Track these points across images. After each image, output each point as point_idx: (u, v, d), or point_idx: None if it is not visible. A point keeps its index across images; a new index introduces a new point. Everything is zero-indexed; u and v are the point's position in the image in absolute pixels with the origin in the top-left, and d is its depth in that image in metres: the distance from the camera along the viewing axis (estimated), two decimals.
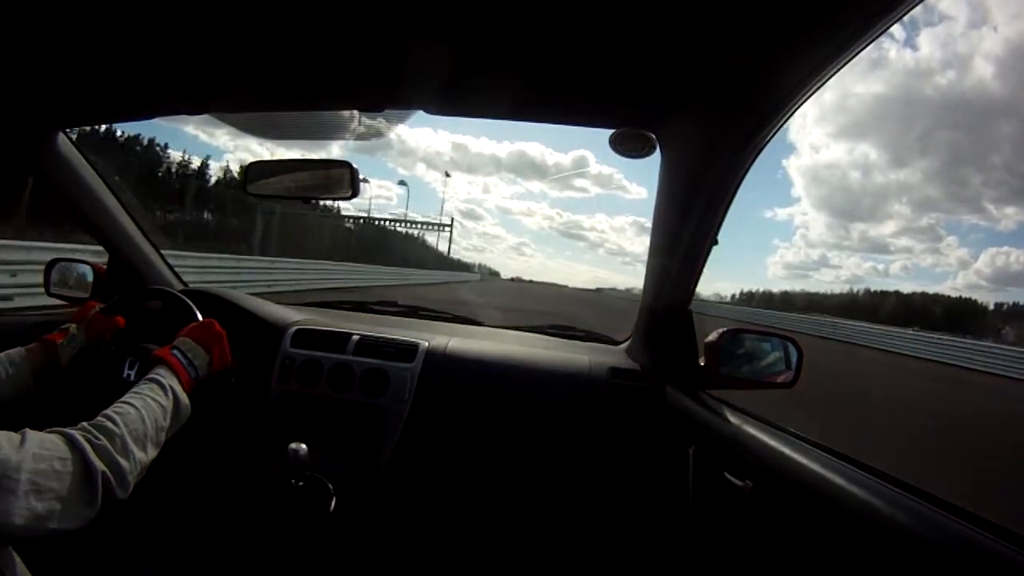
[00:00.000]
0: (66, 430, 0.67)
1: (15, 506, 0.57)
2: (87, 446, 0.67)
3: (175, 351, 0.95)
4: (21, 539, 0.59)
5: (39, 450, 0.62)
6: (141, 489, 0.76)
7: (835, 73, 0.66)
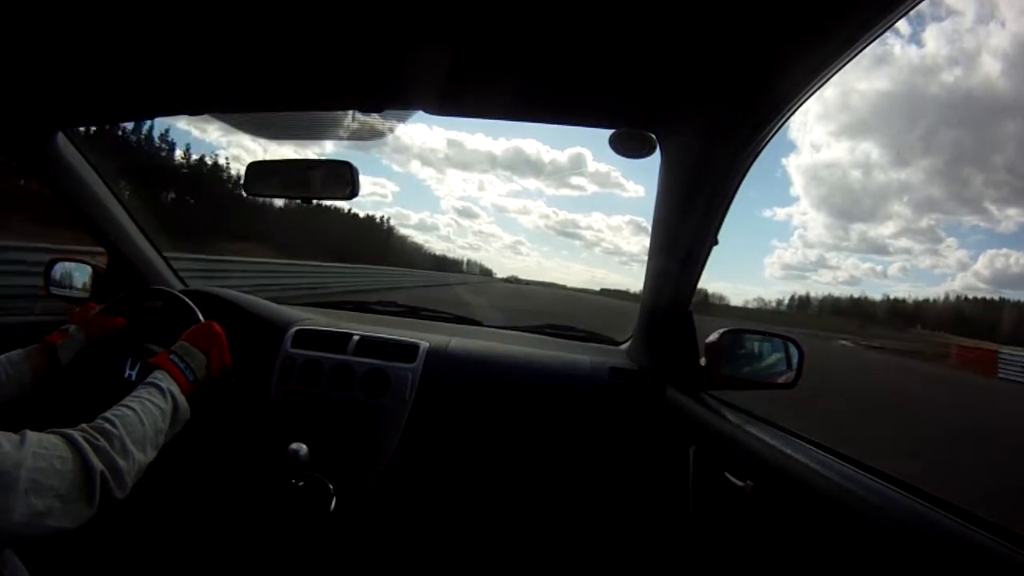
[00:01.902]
0: (65, 430, 0.68)
1: (15, 503, 0.57)
2: (86, 446, 0.67)
3: (172, 356, 0.95)
4: (20, 537, 0.59)
5: (39, 449, 0.62)
6: (144, 490, 0.76)
7: (835, 73, 0.66)
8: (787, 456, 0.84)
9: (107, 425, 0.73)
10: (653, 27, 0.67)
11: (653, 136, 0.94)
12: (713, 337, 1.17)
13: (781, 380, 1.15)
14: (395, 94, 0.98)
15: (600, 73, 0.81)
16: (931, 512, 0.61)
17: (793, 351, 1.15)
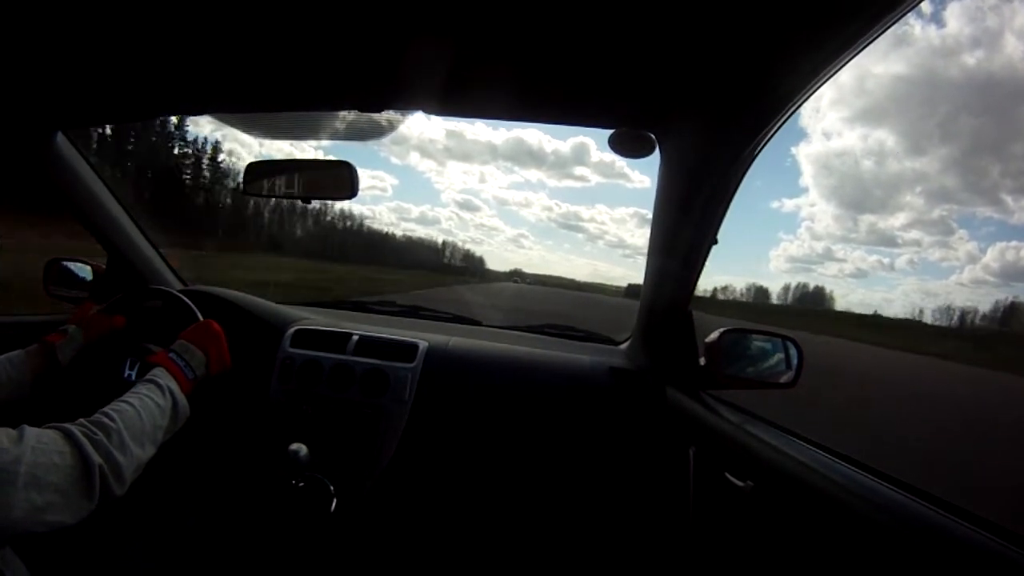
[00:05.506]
0: (63, 425, 0.68)
1: (14, 498, 0.57)
2: (84, 440, 0.67)
3: (171, 354, 0.95)
4: (19, 533, 0.59)
5: (37, 444, 0.62)
6: (145, 490, 0.76)
7: (837, 71, 0.66)
8: (787, 456, 0.84)
9: (105, 420, 0.73)
10: (651, 28, 0.67)
11: (652, 136, 0.94)
12: (713, 337, 1.17)
13: (781, 380, 1.15)
14: (395, 95, 0.98)
15: (599, 73, 0.81)
16: (931, 512, 0.61)
17: (793, 351, 1.15)
